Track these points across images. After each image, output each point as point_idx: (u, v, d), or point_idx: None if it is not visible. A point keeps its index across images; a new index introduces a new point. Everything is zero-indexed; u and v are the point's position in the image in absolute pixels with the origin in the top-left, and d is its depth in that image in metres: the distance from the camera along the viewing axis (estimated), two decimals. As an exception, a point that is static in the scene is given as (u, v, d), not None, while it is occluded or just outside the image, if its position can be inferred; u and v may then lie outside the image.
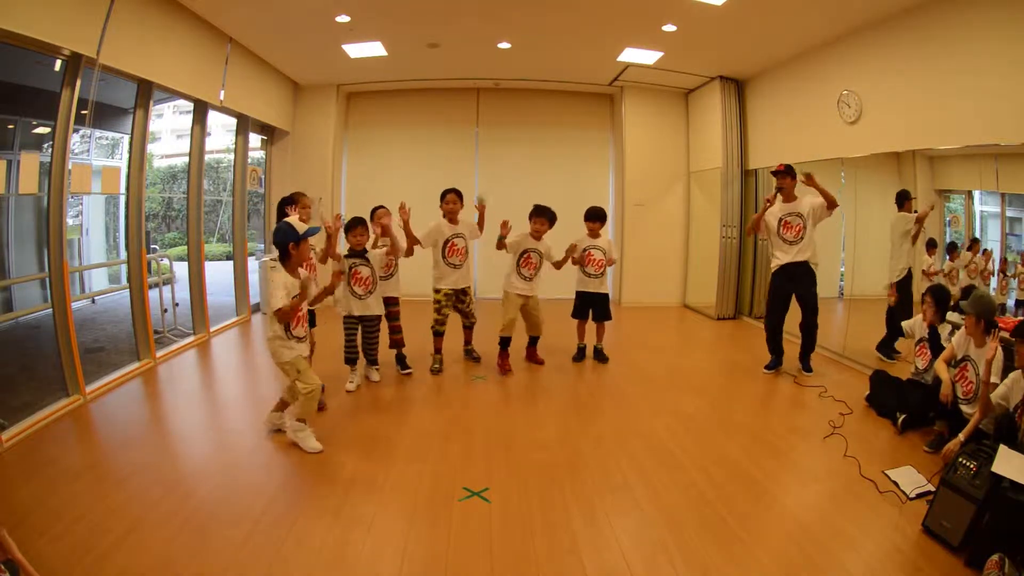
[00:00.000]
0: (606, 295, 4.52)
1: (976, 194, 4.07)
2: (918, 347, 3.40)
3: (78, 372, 3.45)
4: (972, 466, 2.19)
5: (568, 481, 2.64)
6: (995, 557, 1.88)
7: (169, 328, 5.22)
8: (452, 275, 4.13)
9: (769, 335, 4.33)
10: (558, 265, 4.26)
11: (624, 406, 3.72)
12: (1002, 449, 2.19)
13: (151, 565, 1.96)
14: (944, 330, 3.35)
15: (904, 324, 3.60)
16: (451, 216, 4.10)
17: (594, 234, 4.42)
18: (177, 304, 5.42)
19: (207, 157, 5.44)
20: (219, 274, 6.41)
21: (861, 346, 4.63)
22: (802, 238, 4.02)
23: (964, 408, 2.89)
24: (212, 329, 5.29)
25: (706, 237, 6.72)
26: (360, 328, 3.82)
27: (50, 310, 3.42)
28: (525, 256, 4.15)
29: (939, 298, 3.33)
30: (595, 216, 4.40)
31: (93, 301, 6.85)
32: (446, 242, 4.07)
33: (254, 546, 2.09)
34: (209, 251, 6.62)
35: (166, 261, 6.13)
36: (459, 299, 4.22)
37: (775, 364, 4.34)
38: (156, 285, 5.26)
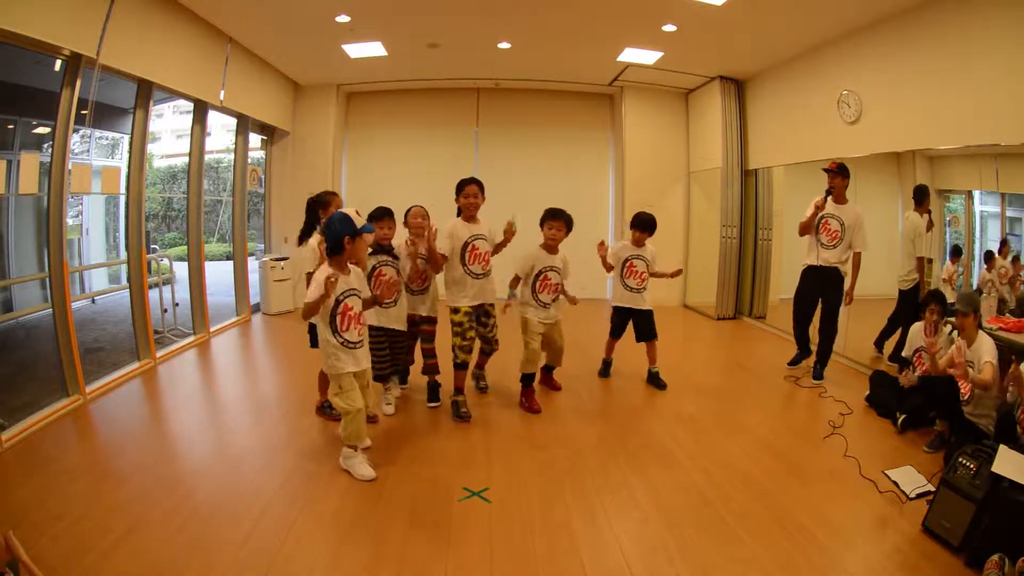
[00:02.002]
0: (650, 311, 3.94)
1: (976, 194, 4.07)
2: (915, 356, 3.40)
3: (78, 372, 3.46)
4: (972, 466, 2.20)
5: (568, 481, 2.64)
6: (995, 557, 1.88)
7: (169, 328, 5.22)
8: (473, 287, 3.27)
9: (795, 329, 4.31)
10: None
11: (624, 406, 3.72)
12: (1002, 449, 2.19)
13: (151, 565, 1.97)
14: (944, 331, 3.35)
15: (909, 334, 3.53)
16: (470, 212, 3.30)
17: (639, 243, 3.91)
18: (177, 304, 5.42)
19: (207, 157, 5.44)
20: (219, 274, 6.42)
21: (861, 346, 4.63)
22: (836, 245, 3.89)
23: (966, 409, 2.90)
24: (212, 329, 5.29)
25: (706, 237, 6.72)
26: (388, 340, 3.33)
27: (50, 310, 3.42)
28: (542, 277, 3.44)
29: (942, 304, 3.33)
30: (642, 224, 3.86)
31: (93, 301, 6.86)
32: (465, 245, 3.24)
33: (254, 546, 2.09)
34: (209, 251, 6.64)
35: (166, 261, 6.13)
36: (482, 320, 3.37)
37: (799, 359, 4.33)
38: (156, 285, 5.25)
